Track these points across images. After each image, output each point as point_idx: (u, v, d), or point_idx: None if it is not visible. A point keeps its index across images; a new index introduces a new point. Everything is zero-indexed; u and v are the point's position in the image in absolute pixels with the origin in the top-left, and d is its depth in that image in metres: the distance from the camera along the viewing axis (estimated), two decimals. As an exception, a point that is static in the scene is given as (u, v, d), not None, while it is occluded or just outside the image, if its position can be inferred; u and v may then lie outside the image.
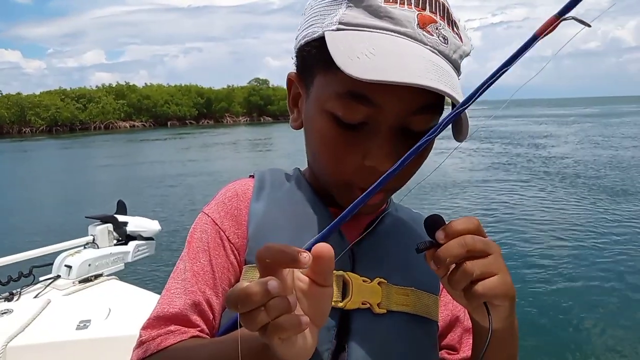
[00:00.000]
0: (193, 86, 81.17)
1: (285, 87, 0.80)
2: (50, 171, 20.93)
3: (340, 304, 0.70)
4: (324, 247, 0.50)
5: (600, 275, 6.08)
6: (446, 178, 13.04)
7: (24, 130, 62.57)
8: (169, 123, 72.20)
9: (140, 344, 0.71)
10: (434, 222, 0.61)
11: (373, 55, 0.60)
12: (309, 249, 0.58)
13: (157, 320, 0.72)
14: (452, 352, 0.83)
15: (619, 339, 4.62)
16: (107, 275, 2.97)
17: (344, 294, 0.71)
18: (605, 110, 64.23)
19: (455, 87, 0.62)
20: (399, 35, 0.63)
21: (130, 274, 3.09)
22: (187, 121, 74.75)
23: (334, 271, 0.70)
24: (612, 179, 12.78)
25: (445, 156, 0.75)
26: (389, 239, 0.78)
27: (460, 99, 0.59)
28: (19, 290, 2.68)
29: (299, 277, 0.51)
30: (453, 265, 0.58)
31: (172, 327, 0.70)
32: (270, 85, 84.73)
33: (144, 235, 3.38)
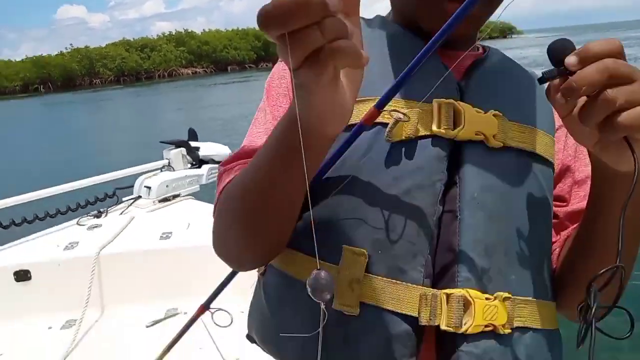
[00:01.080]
0: (250, 29, 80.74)
1: None
2: (124, 116, 22.06)
3: (452, 133, 0.62)
4: None
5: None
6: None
7: (95, 81, 65.40)
8: (229, 68, 72.87)
9: (221, 175, 0.69)
10: (563, 48, 0.50)
11: None
12: (405, 77, 0.54)
13: (237, 155, 0.70)
14: (560, 204, 0.75)
15: None
16: (184, 196, 3.09)
17: (455, 124, 0.62)
18: None
19: None
20: None
21: (206, 195, 3.18)
22: (246, 65, 75.14)
23: (444, 99, 0.63)
24: None
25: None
26: (497, 75, 0.70)
27: None
28: (105, 209, 2.83)
29: None
30: (580, 103, 0.49)
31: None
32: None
33: (216, 159, 3.45)
